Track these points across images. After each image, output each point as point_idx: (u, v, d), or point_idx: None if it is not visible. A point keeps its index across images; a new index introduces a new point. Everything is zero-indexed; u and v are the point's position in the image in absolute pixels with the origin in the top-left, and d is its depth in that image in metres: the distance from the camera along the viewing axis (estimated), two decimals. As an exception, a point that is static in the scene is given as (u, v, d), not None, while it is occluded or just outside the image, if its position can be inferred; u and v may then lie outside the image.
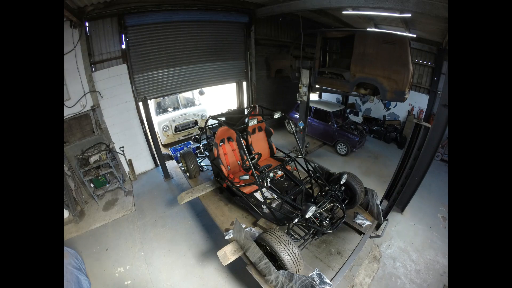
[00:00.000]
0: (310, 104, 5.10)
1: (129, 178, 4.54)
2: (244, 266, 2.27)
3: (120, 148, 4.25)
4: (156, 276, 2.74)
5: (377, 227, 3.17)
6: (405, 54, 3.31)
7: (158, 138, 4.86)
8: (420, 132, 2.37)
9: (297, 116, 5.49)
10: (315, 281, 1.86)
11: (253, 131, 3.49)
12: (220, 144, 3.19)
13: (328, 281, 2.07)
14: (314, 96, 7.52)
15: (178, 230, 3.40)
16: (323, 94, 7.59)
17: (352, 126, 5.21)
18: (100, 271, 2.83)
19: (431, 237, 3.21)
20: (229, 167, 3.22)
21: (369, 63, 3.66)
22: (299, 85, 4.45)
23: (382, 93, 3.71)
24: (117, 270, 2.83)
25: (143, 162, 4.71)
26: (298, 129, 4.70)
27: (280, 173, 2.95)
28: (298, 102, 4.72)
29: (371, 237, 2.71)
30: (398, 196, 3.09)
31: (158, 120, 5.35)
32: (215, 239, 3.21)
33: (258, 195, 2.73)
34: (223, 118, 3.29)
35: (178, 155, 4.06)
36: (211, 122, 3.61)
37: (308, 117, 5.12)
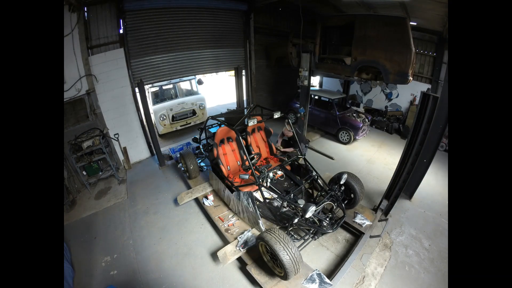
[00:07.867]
0: (311, 93, 5.01)
1: (124, 166, 4.37)
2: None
3: (114, 135, 4.12)
4: (144, 265, 2.54)
5: (386, 213, 2.99)
6: (406, 35, 3.24)
7: (154, 127, 4.73)
8: (429, 103, 2.23)
9: (297, 105, 5.38)
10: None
11: (253, 131, 3.48)
12: (220, 144, 3.17)
13: (328, 281, 2.04)
14: (314, 83, 7.44)
15: (171, 217, 3.20)
16: (324, 84, 7.55)
17: (355, 114, 5.08)
18: (86, 260, 2.64)
19: (442, 224, 3.00)
20: (228, 167, 3.19)
21: (370, 45, 3.58)
22: (300, 69, 4.37)
23: (385, 75, 3.59)
24: (103, 259, 2.63)
25: (138, 151, 4.56)
26: (299, 115, 4.57)
27: (280, 173, 2.93)
28: (299, 85, 4.58)
29: (371, 236, 2.60)
30: (404, 185, 2.92)
31: (155, 109, 5.22)
32: (210, 227, 3.01)
33: (258, 195, 2.66)
34: (223, 118, 3.29)
35: (178, 155, 4.01)
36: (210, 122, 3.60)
37: (309, 106, 5.01)
